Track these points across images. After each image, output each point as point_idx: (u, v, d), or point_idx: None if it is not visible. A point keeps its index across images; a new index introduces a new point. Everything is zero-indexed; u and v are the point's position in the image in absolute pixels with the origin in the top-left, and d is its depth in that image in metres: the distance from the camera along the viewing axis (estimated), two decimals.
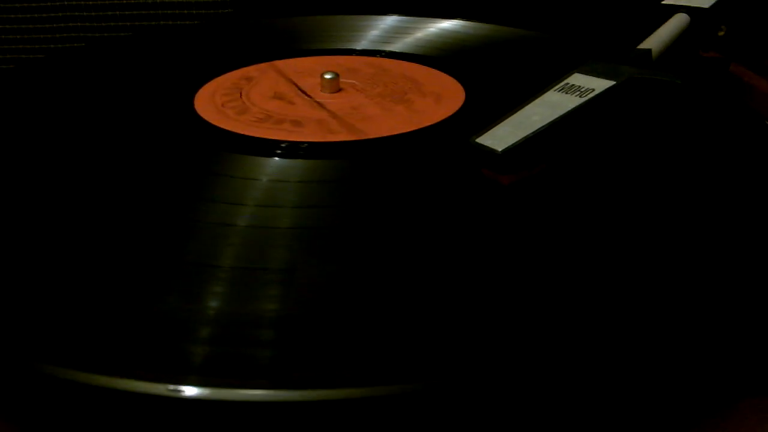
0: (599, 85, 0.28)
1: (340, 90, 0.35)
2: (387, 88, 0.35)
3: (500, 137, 0.26)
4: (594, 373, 0.17)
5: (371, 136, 0.29)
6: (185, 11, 0.55)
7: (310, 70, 0.38)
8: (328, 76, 0.35)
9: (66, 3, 0.55)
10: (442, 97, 0.32)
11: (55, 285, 0.20)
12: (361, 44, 0.44)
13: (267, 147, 0.28)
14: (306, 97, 0.34)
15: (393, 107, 0.32)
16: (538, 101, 0.28)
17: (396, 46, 0.43)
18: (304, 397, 0.15)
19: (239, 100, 0.34)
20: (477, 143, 0.26)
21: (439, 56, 0.41)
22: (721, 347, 0.18)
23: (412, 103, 0.32)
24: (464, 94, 0.34)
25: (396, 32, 0.46)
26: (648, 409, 0.18)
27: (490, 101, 0.33)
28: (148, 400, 0.16)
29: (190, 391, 0.16)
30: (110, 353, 0.17)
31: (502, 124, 0.27)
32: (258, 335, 0.18)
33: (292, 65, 0.40)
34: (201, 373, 0.16)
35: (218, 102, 0.34)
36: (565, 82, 0.29)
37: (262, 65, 0.40)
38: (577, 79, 0.29)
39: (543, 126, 0.26)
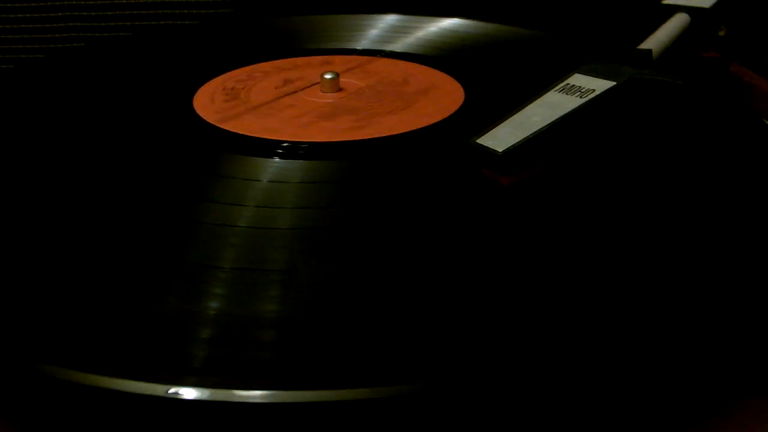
0: (600, 85, 0.28)
1: (339, 90, 0.35)
2: (367, 104, 0.34)
3: (501, 138, 0.26)
4: (594, 373, 0.17)
5: (230, 129, 0.30)
6: (185, 11, 0.55)
7: (378, 73, 0.38)
8: (328, 76, 0.35)
9: (66, 3, 0.55)
10: (364, 123, 0.31)
11: (56, 285, 0.20)
12: (362, 44, 0.44)
13: (267, 147, 0.28)
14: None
15: (309, 121, 0.32)
16: (538, 102, 0.28)
17: (396, 46, 0.43)
18: (304, 397, 0.15)
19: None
20: (477, 144, 0.26)
21: (439, 56, 0.41)
22: (721, 347, 0.18)
23: (337, 122, 0.32)
24: (464, 94, 0.34)
25: (395, 31, 0.46)
26: (648, 409, 0.18)
27: (490, 101, 0.33)
28: (148, 401, 0.16)
29: (189, 391, 0.16)
30: (110, 353, 0.17)
31: (502, 124, 0.27)
32: (258, 336, 0.18)
33: (383, 65, 0.40)
34: (201, 374, 0.16)
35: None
36: (566, 82, 0.29)
37: (364, 58, 0.41)
38: (578, 79, 0.29)
39: (543, 127, 0.26)
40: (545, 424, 0.17)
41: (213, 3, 0.54)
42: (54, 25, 0.55)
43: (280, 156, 0.28)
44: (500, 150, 0.25)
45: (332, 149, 0.28)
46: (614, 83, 0.28)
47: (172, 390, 0.15)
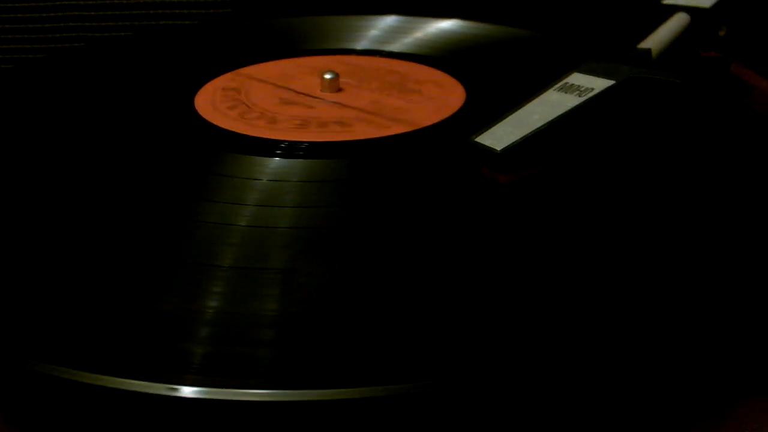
0: (599, 84, 0.28)
1: (339, 90, 0.35)
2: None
3: (500, 136, 0.26)
4: (594, 373, 0.17)
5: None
6: (185, 11, 0.55)
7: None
8: (327, 76, 0.35)
9: (66, 3, 0.55)
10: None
11: (55, 285, 0.20)
12: (361, 44, 0.44)
13: (267, 147, 0.28)
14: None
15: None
16: (537, 100, 0.28)
17: (395, 46, 0.43)
18: (303, 396, 0.15)
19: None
20: (476, 142, 0.26)
21: (439, 56, 0.41)
22: (722, 347, 0.18)
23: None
24: (464, 94, 0.34)
25: (395, 32, 0.46)
26: (648, 409, 0.18)
27: (490, 101, 0.33)
28: (147, 400, 0.16)
29: (189, 390, 0.16)
30: (110, 353, 0.17)
31: (501, 123, 0.27)
32: (257, 335, 0.18)
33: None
34: (200, 373, 0.16)
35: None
36: (565, 81, 0.29)
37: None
38: (577, 78, 0.29)
39: (542, 125, 0.26)
40: (544, 425, 0.17)
41: (213, 3, 0.54)
42: (54, 24, 0.56)
43: (280, 155, 0.28)
44: (499, 148, 0.25)
45: (332, 149, 0.28)
46: (613, 82, 0.28)
47: (171, 388, 0.15)
